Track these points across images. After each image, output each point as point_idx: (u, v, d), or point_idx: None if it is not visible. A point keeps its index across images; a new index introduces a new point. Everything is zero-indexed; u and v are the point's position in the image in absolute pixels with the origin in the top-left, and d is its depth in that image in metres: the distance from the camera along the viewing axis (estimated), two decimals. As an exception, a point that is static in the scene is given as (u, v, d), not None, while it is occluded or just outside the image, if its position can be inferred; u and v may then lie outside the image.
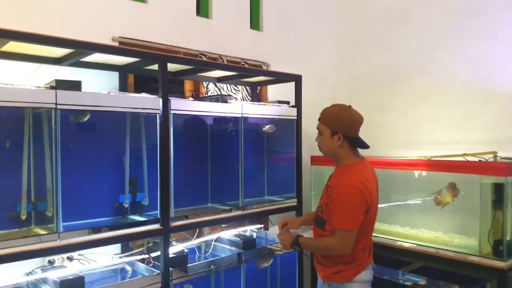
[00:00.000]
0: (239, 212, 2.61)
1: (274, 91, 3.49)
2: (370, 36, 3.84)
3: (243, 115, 2.62)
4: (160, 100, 2.20)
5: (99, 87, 2.48)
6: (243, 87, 3.31)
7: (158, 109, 2.20)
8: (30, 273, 2.14)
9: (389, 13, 3.69)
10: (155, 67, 2.39)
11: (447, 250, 2.61)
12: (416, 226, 2.96)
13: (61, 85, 1.91)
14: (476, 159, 2.61)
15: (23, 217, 1.96)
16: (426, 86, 3.42)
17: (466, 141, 3.11)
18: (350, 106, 2.10)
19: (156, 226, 2.22)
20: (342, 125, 2.01)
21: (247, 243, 2.66)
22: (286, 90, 3.21)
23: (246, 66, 3.24)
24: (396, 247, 2.84)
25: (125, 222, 2.22)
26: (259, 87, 3.38)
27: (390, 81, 3.68)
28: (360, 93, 3.92)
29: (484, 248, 2.49)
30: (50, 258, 2.26)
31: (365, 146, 2.08)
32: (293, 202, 2.96)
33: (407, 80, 3.56)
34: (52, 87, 1.89)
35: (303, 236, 2.11)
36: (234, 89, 3.26)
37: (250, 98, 3.33)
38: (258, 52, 3.43)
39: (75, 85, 1.96)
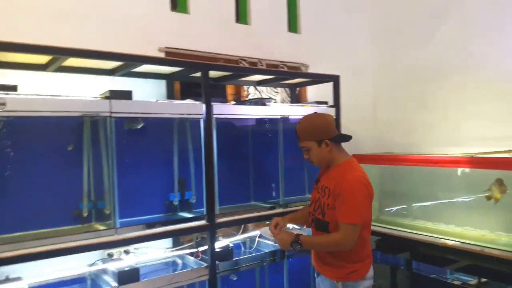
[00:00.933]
0: (280, 210, 2.72)
1: (313, 91, 3.57)
2: (410, 31, 3.81)
3: (282, 117, 2.72)
4: (204, 105, 2.37)
5: (148, 95, 2.69)
6: (282, 88, 3.41)
7: (201, 114, 2.36)
8: (92, 264, 2.37)
9: (429, 7, 3.65)
10: (198, 74, 2.56)
11: (492, 248, 2.57)
12: (461, 224, 2.92)
13: (114, 95, 2.12)
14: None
15: (85, 215, 2.19)
16: (469, 81, 3.36)
17: (513, 136, 3.03)
18: (315, 112, 2.17)
19: (202, 222, 2.39)
20: (322, 132, 2.05)
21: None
22: (326, 90, 3.26)
23: (285, 68, 3.35)
24: (439, 245, 2.83)
25: (175, 219, 2.41)
26: (298, 88, 3.46)
27: (432, 76, 3.64)
28: (401, 90, 3.91)
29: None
30: (109, 251, 2.49)
31: (349, 137, 2.14)
32: (333, 199, 3.02)
33: (450, 75, 3.51)
34: (106, 97, 2.10)
35: (303, 234, 2.07)
36: (274, 91, 3.38)
37: (289, 99, 3.43)
38: (297, 54, 3.52)
39: (126, 95, 2.16)
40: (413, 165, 3.06)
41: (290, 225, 2.43)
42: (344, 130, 3.70)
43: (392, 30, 3.98)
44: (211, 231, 2.37)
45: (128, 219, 2.25)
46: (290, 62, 3.45)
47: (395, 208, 3.39)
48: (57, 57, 2.09)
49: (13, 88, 1.92)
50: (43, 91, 2.18)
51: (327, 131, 2.05)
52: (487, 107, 3.23)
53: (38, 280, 2.17)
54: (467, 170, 2.79)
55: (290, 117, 2.78)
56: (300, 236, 2.04)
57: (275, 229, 2.19)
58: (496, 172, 2.56)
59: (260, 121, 2.76)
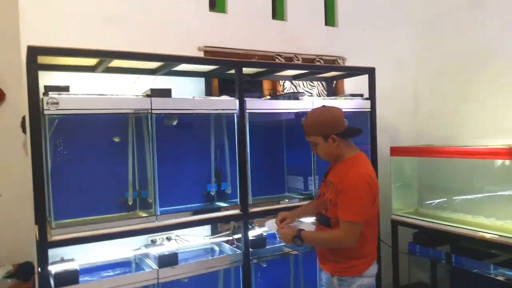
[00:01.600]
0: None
1: (351, 84, 3.58)
2: (451, 21, 3.71)
3: (315, 110, 2.79)
4: (237, 101, 2.49)
5: (188, 92, 2.85)
6: (318, 82, 3.46)
7: (235, 109, 2.49)
8: (137, 250, 2.58)
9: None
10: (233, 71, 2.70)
11: (532, 241, 2.51)
12: (502, 218, 2.86)
13: (155, 93, 2.29)
14: None
15: (130, 203, 2.39)
16: (509, 68, 3.23)
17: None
18: (323, 105, 2.13)
19: (236, 211, 2.52)
20: (328, 126, 2.03)
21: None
22: (363, 83, 3.24)
23: (321, 62, 3.40)
24: (477, 238, 2.79)
25: (210, 207, 2.56)
26: (334, 82, 3.50)
27: (472, 66, 3.54)
28: (442, 81, 3.82)
29: None
30: (152, 238, 2.70)
31: (359, 132, 2.11)
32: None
33: (492, 65, 3.39)
34: (148, 95, 2.28)
35: (305, 230, 2.09)
36: (310, 85, 3.44)
37: (325, 93, 3.47)
38: (334, 47, 3.55)
39: (166, 93, 2.33)
40: (450, 157, 3.02)
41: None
42: (384, 123, 3.72)
43: (432, 20, 3.89)
44: (244, 219, 2.51)
45: (169, 207, 2.43)
46: (327, 56, 3.49)
47: (434, 201, 3.36)
48: (103, 60, 2.30)
49: (66, 88, 2.14)
50: (93, 91, 2.41)
51: (334, 125, 2.04)
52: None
53: (88, 262, 2.41)
54: (506, 162, 2.72)
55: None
56: (302, 232, 2.05)
57: (281, 223, 2.24)
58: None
59: (294, 115, 2.84)
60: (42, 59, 2.28)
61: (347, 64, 3.57)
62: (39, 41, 2.11)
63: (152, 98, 2.26)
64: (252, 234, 2.61)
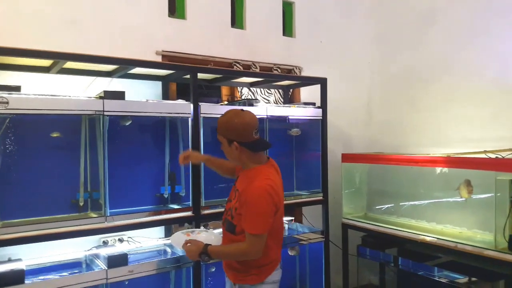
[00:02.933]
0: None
1: (307, 93, 3.72)
2: (402, 36, 3.94)
3: (268, 117, 2.90)
4: (191, 105, 2.56)
5: (147, 95, 2.90)
6: (275, 90, 3.58)
7: (189, 113, 2.56)
8: (88, 250, 2.59)
9: (419, 13, 3.79)
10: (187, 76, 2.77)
11: (465, 244, 2.69)
12: (442, 222, 3.05)
13: (108, 95, 2.33)
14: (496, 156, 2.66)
15: (81, 204, 2.41)
16: (454, 85, 3.48)
17: (495, 138, 3.13)
18: (242, 110, 2.05)
19: (188, 213, 2.58)
20: (234, 133, 1.98)
21: (273, 232, 2.93)
22: (318, 92, 3.35)
23: (278, 71, 3.52)
24: (418, 241, 2.96)
25: (163, 209, 2.60)
26: (291, 90, 3.62)
27: (421, 80, 3.77)
28: (393, 92, 4.04)
29: (500, 243, 2.54)
30: (104, 239, 2.71)
31: (266, 146, 2.08)
32: (319, 196, 3.18)
33: (437, 79, 3.63)
34: (101, 97, 2.32)
35: (211, 245, 2.04)
36: (268, 92, 3.55)
37: (282, 100, 3.59)
38: (291, 57, 3.68)
39: (119, 95, 2.37)
40: (395, 164, 3.19)
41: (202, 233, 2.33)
42: (338, 131, 3.88)
43: (385, 34, 4.12)
44: (196, 221, 2.57)
45: (120, 209, 2.45)
46: (284, 65, 3.62)
47: (382, 206, 3.53)
48: (57, 61, 2.32)
49: (17, 88, 2.14)
50: (48, 92, 2.41)
51: (240, 134, 1.98)
52: (471, 110, 3.34)
53: (37, 262, 2.40)
54: (445, 169, 2.91)
55: (276, 117, 2.96)
56: (208, 247, 2.01)
57: (185, 160, 2.28)
58: (469, 171, 2.68)
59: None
60: (-5, 59, 2.29)
61: (303, 73, 3.71)
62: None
63: (105, 100, 2.29)
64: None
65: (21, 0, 2.55)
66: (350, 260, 3.56)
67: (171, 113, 2.52)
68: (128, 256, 2.46)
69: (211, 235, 2.28)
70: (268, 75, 3.12)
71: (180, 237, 2.22)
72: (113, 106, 2.31)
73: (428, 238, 2.91)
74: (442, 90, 3.59)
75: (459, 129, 3.44)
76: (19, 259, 2.32)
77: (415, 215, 3.22)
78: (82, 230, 2.22)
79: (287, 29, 3.75)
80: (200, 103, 2.59)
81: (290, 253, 2.95)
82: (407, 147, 3.82)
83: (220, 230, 2.27)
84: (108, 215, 2.33)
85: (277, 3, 3.62)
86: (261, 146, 2.06)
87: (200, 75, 2.97)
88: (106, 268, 2.30)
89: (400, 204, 3.38)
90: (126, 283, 2.34)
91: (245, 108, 2.78)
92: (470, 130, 3.34)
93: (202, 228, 2.58)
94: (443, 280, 2.91)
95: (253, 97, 3.46)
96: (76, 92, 2.60)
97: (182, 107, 2.54)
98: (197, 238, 2.15)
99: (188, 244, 2.07)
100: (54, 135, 2.31)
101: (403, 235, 3.06)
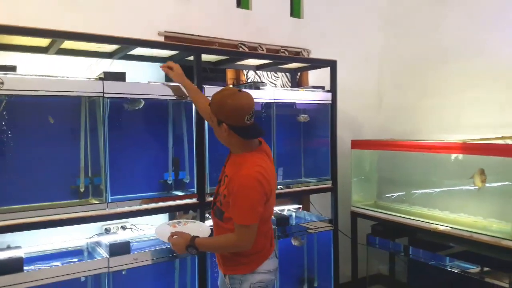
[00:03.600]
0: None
1: (315, 76, 3.59)
2: (416, 17, 3.78)
3: (275, 101, 2.78)
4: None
5: (150, 78, 2.78)
6: (283, 74, 3.45)
7: (193, 96, 2.44)
8: (90, 238, 2.51)
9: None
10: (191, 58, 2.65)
11: (481, 234, 2.58)
12: (455, 211, 2.94)
13: (108, 76, 2.22)
14: (513, 141, 2.54)
15: (81, 190, 2.31)
16: (469, 68, 3.33)
17: (511, 124, 3.00)
18: (239, 90, 1.90)
19: (193, 200, 2.49)
20: (225, 114, 1.83)
21: (281, 220, 2.84)
22: (327, 75, 3.18)
23: (286, 53, 3.39)
24: (431, 230, 2.85)
25: (166, 196, 2.51)
26: (299, 74, 3.50)
27: (434, 63, 3.62)
28: (406, 76, 3.89)
29: (517, 232, 2.44)
30: (107, 226, 2.63)
31: (258, 134, 1.92)
32: (328, 184, 3.07)
33: (450, 62, 3.49)
34: (100, 78, 2.21)
35: (199, 237, 1.93)
36: (275, 76, 3.42)
37: (289, 84, 3.47)
38: (299, 39, 3.55)
39: (120, 76, 2.26)
40: (407, 151, 3.08)
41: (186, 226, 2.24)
42: (347, 117, 3.75)
43: (399, 15, 3.95)
44: (201, 209, 2.47)
45: (122, 195, 2.36)
46: (291, 47, 3.48)
47: (393, 194, 3.42)
48: (55, 40, 2.21)
49: (12, 68, 2.04)
50: (47, 73, 2.30)
51: (231, 116, 1.83)
52: (485, 94, 3.20)
53: (36, 250, 2.33)
54: (460, 156, 2.79)
55: (283, 101, 2.84)
56: (196, 240, 1.91)
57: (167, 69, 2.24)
58: (486, 158, 2.56)
59: (256, 105, 2.81)
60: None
61: (312, 56, 3.57)
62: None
63: (105, 82, 2.18)
64: (210, 223, 2.57)
65: (17, -22, 2.43)
66: (359, 249, 3.47)
67: (173, 96, 2.40)
68: (131, 244, 2.39)
69: (199, 226, 2.18)
70: (276, 57, 2.99)
71: (165, 228, 2.12)
72: (113, 88, 2.21)
73: (441, 227, 2.80)
74: (455, 73, 3.44)
75: (473, 115, 3.30)
76: (19, 247, 2.25)
77: (427, 203, 3.11)
78: (82, 217, 2.13)
79: (295, 10, 3.60)
80: (204, 85, 2.47)
81: (294, 243, 2.85)
82: (418, 133, 3.69)
83: (210, 221, 2.16)
84: (109, 201, 2.23)
85: (285, -17, 3.48)
86: (252, 133, 1.89)
87: (205, 57, 2.86)
88: (108, 257, 2.22)
89: (412, 192, 3.26)
90: (124, 273, 2.26)
91: (251, 91, 2.69)
92: (484, 116, 3.20)
93: (190, 219, 2.48)
94: (455, 270, 2.81)
95: (260, 81, 3.33)
96: (78, 74, 2.49)
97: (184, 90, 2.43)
98: (184, 230, 2.04)
99: (174, 237, 1.97)
100: (51, 120, 2.20)
101: (415, 224, 2.96)
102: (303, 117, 2.98)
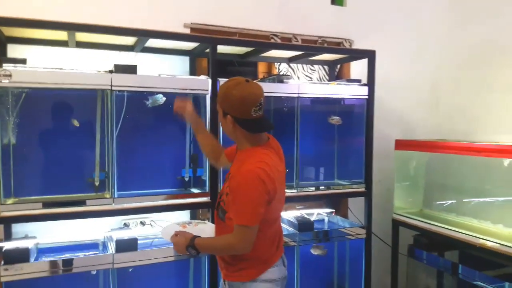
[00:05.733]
0: (294, 193, 2.60)
1: (359, 68, 3.28)
2: (477, 5, 3.31)
3: (300, 95, 2.56)
4: (210, 81, 2.32)
5: (174, 71, 2.72)
6: (320, 67, 3.20)
7: (207, 90, 2.32)
8: (108, 232, 2.50)
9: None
10: (223, 50, 2.56)
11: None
12: (510, 225, 2.52)
13: (118, 69, 2.18)
14: None
15: (96, 184, 2.30)
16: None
17: None
18: (247, 80, 1.74)
19: (205, 199, 2.38)
20: (230, 105, 1.71)
21: (303, 225, 2.63)
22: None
23: (325, 44, 3.14)
24: (477, 245, 2.47)
25: (179, 193, 2.43)
26: (338, 66, 3.23)
27: (496, 56, 3.14)
28: (466, 71, 3.44)
29: None
30: (126, 221, 2.62)
31: (267, 128, 1.78)
32: (361, 188, 2.80)
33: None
34: (110, 71, 2.17)
35: (199, 238, 1.82)
36: (311, 69, 3.19)
37: (327, 78, 3.21)
38: (340, 29, 3.28)
39: (130, 69, 2.20)
40: (454, 153, 2.70)
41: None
42: (397, 114, 3.41)
43: (456, 3, 3.49)
44: (212, 207, 2.35)
45: (138, 191, 2.33)
46: (331, 37, 3.23)
47: (440, 202, 3.04)
48: (72, 33, 2.21)
49: (23, 61, 2.07)
50: (68, 66, 2.32)
51: (237, 108, 1.71)
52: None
53: (52, 241, 2.37)
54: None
55: (310, 96, 2.61)
56: (196, 240, 1.79)
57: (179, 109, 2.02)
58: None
59: (278, 99, 2.63)
60: (12, 32, 2.24)
61: (354, 47, 3.28)
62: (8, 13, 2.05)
63: (113, 74, 2.13)
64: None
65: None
66: (407, 261, 3.13)
67: (186, 89, 2.30)
68: (145, 241, 2.35)
69: (206, 227, 2.06)
70: (301, 47, 2.77)
71: (172, 228, 2.02)
72: (122, 81, 2.15)
73: (489, 244, 2.41)
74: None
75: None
76: (34, 237, 2.30)
77: (478, 214, 2.71)
78: (96, 211, 2.15)
79: (337, -3, 3.33)
80: (219, 79, 2.33)
81: (314, 252, 2.61)
82: (478, 135, 3.24)
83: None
84: (115, 196, 2.20)
85: (326, -32, 3.22)
86: (259, 127, 1.76)
87: (231, 49, 2.74)
88: (113, 253, 2.18)
89: (462, 201, 2.87)
90: (130, 270, 2.21)
91: (272, 84, 2.51)
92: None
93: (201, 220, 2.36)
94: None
95: (294, 74, 3.13)
96: (99, 67, 2.48)
97: (199, 83, 2.32)
98: (194, 231, 1.91)
99: (177, 236, 1.86)
100: (75, 123, 2.20)
101: (459, 237, 2.59)
102: (335, 119, 2.71)
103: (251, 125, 1.73)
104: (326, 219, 3.05)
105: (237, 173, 1.71)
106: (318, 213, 3.01)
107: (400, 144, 3.14)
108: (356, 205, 3.19)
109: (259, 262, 1.80)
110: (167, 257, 2.28)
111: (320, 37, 3.17)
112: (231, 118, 1.72)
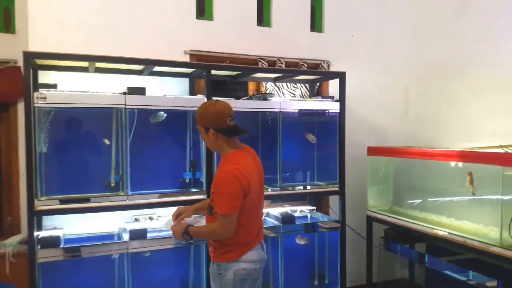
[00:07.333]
0: (277, 191, 3.09)
1: (334, 86, 3.78)
2: (438, 27, 3.84)
3: (281, 110, 3.07)
4: (205, 99, 2.83)
5: (175, 91, 3.23)
6: (301, 85, 3.71)
7: (203, 107, 2.83)
8: (121, 225, 3.00)
9: (452, 4, 3.67)
10: (217, 72, 3.10)
11: (474, 240, 2.64)
12: (460, 218, 2.99)
13: (130, 91, 2.69)
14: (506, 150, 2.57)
15: (112, 185, 2.80)
16: (487, 76, 3.35)
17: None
18: (216, 100, 2.25)
19: (202, 196, 2.87)
20: (210, 120, 2.16)
21: (286, 218, 3.12)
22: (347, 84, 3.34)
23: (305, 66, 3.66)
24: (431, 235, 2.94)
25: (181, 192, 2.92)
26: (317, 84, 3.74)
27: (454, 72, 3.67)
28: (429, 85, 3.97)
29: (506, 239, 2.47)
30: (136, 216, 3.11)
31: (241, 131, 2.21)
32: (336, 187, 3.29)
33: (470, 71, 3.54)
34: (124, 93, 2.68)
35: (192, 226, 2.23)
36: (294, 87, 3.70)
37: (308, 94, 3.72)
38: (319, 51, 3.79)
39: (140, 91, 2.72)
40: (413, 158, 3.19)
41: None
42: (371, 125, 3.92)
43: (421, 25, 4.03)
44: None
45: (148, 191, 2.82)
46: (311, 59, 3.74)
47: (406, 200, 3.51)
48: (92, 62, 2.74)
49: (54, 86, 2.59)
50: (89, 89, 2.81)
51: (215, 121, 2.15)
52: (503, 102, 3.20)
53: (76, 232, 2.87)
54: (460, 164, 2.85)
55: (289, 110, 3.12)
56: (189, 228, 2.20)
57: (177, 218, 2.38)
58: (478, 166, 2.62)
59: (263, 114, 3.13)
60: (43, 61, 2.76)
61: (332, 68, 3.80)
62: (43, 47, 2.56)
63: (127, 96, 2.65)
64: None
65: (68, 13, 3.00)
66: (383, 253, 3.60)
67: (186, 106, 2.81)
68: (153, 233, 2.81)
69: (202, 220, 2.48)
70: (282, 70, 3.30)
71: (171, 222, 2.45)
72: (134, 101, 2.67)
73: (440, 233, 2.88)
74: (475, 82, 3.46)
75: (491, 122, 3.30)
76: (61, 228, 2.80)
77: (436, 210, 3.18)
78: (112, 206, 2.67)
79: (317, 24, 3.85)
80: (214, 98, 2.84)
81: (298, 242, 3.10)
82: (441, 141, 3.74)
83: None
84: (129, 194, 2.70)
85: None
86: (235, 131, 2.22)
87: (224, 72, 3.25)
88: (128, 240, 2.68)
89: (423, 199, 3.35)
90: (148, 254, 2.71)
91: (257, 102, 3.02)
92: (503, 123, 3.19)
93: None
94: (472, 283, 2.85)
95: (279, 92, 3.63)
96: (115, 89, 2.99)
97: (195, 101, 2.83)
98: (189, 222, 2.35)
99: (175, 225, 2.31)
100: (106, 142, 2.71)
101: (417, 228, 3.07)
102: (311, 137, 3.22)
103: (229, 131, 2.19)
104: (308, 215, 3.53)
105: (218, 174, 2.19)
106: (301, 210, 3.50)
107: (372, 151, 3.63)
108: (336, 204, 3.67)
109: (241, 246, 2.21)
110: (171, 244, 2.77)
111: (301, 59, 3.69)
112: (213, 130, 2.17)
